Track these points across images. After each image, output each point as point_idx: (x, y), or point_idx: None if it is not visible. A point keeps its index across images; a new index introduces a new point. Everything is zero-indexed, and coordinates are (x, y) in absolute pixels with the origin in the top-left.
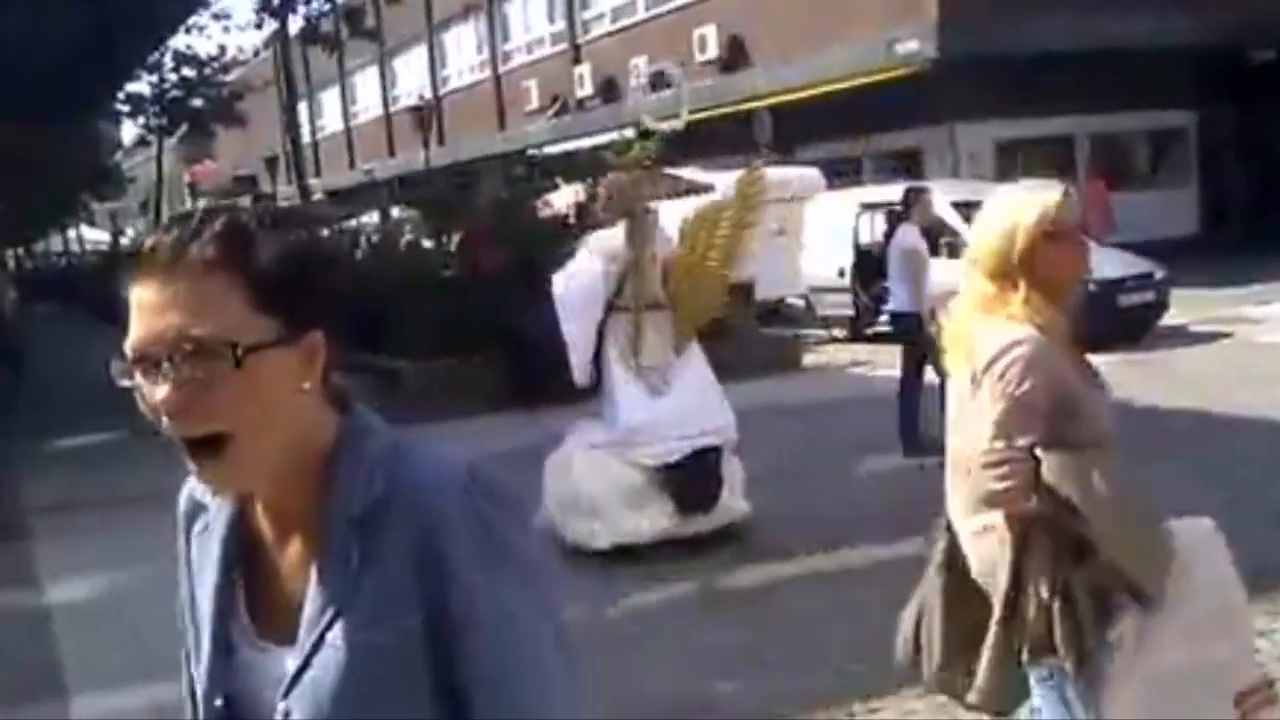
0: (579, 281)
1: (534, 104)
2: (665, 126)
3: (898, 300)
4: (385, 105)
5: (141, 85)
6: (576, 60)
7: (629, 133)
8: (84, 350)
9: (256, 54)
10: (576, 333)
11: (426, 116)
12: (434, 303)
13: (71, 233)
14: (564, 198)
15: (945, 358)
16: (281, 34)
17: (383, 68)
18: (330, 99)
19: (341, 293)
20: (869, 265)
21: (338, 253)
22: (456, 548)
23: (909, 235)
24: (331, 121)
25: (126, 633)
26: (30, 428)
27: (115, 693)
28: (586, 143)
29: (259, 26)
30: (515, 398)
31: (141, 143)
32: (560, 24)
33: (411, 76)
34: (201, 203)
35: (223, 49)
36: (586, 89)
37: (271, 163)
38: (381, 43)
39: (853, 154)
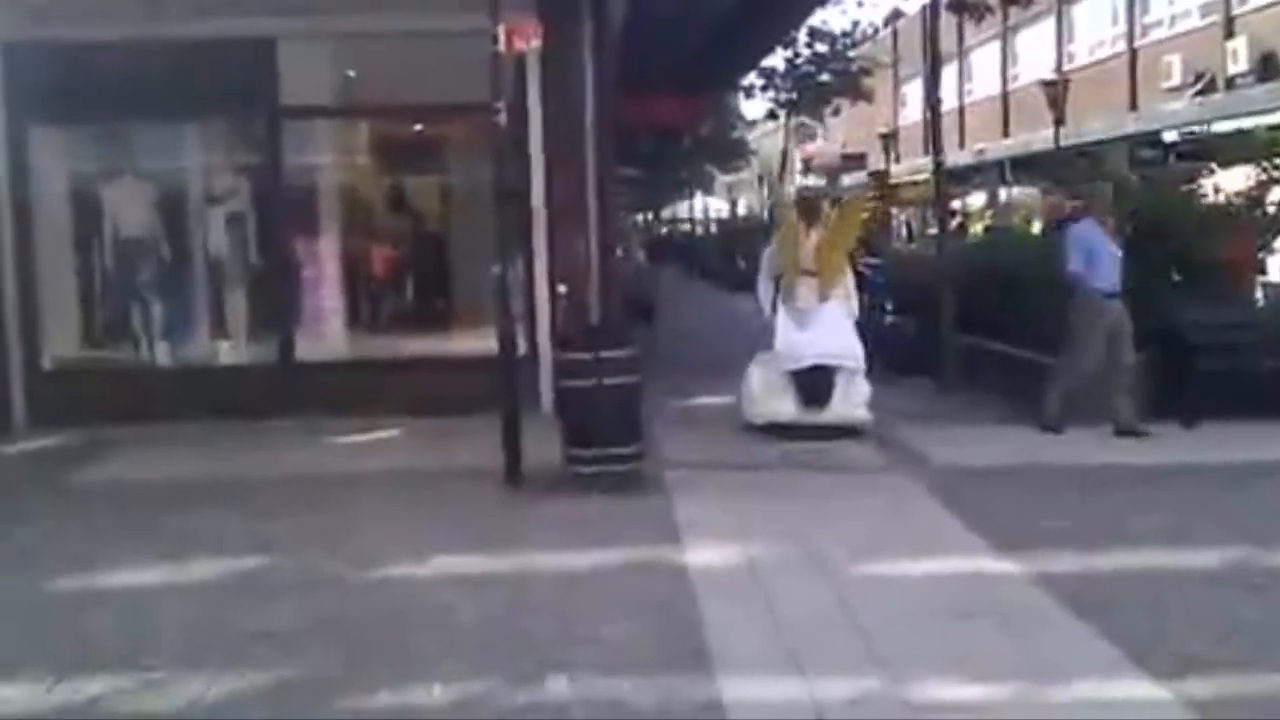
0: (768, 252)
1: (1174, 81)
2: None
3: None
4: (1003, 83)
5: (775, 60)
6: (1229, 33)
7: None
8: (702, 313)
9: (876, 32)
10: (760, 286)
11: (1059, 93)
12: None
13: (696, 201)
14: (1234, 182)
15: None
16: (931, 3)
17: (1004, 44)
18: (946, 77)
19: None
20: None
21: None
22: None
23: None
24: (946, 99)
25: (765, 609)
26: (658, 384)
27: (761, 680)
28: (1234, 124)
29: None
30: (1165, 407)
31: (770, 116)
32: None
33: (1031, 54)
34: (811, 178)
35: (855, 24)
36: (1240, 65)
37: (887, 139)
38: (1006, 17)
39: None
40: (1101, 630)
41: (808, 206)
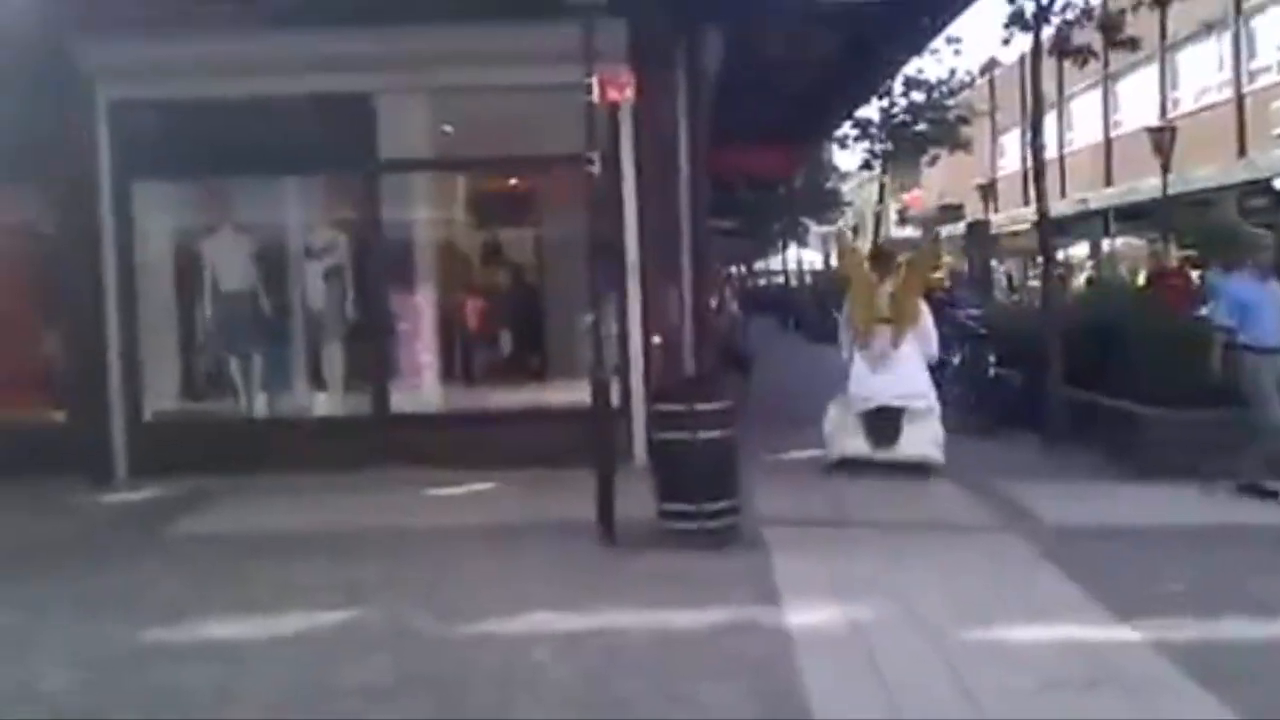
0: (847, 300)
1: None
2: None
3: None
4: (1105, 130)
5: (870, 110)
6: None
7: None
8: (796, 365)
9: (972, 81)
10: (841, 333)
11: (1166, 140)
12: (1172, 345)
13: (790, 252)
14: None
15: None
16: (1034, 48)
17: (1105, 91)
18: (1046, 125)
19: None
20: None
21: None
22: None
23: None
24: (1046, 148)
25: (872, 675)
26: (753, 437)
27: None
28: None
29: (1006, 43)
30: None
31: (864, 166)
32: None
33: (1133, 101)
34: (908, 230)
35: (952, 73)
36: None
37: (985, 189)
38: (1106, 64)
39: None
40: (1230, 702)
41: (880, 257)
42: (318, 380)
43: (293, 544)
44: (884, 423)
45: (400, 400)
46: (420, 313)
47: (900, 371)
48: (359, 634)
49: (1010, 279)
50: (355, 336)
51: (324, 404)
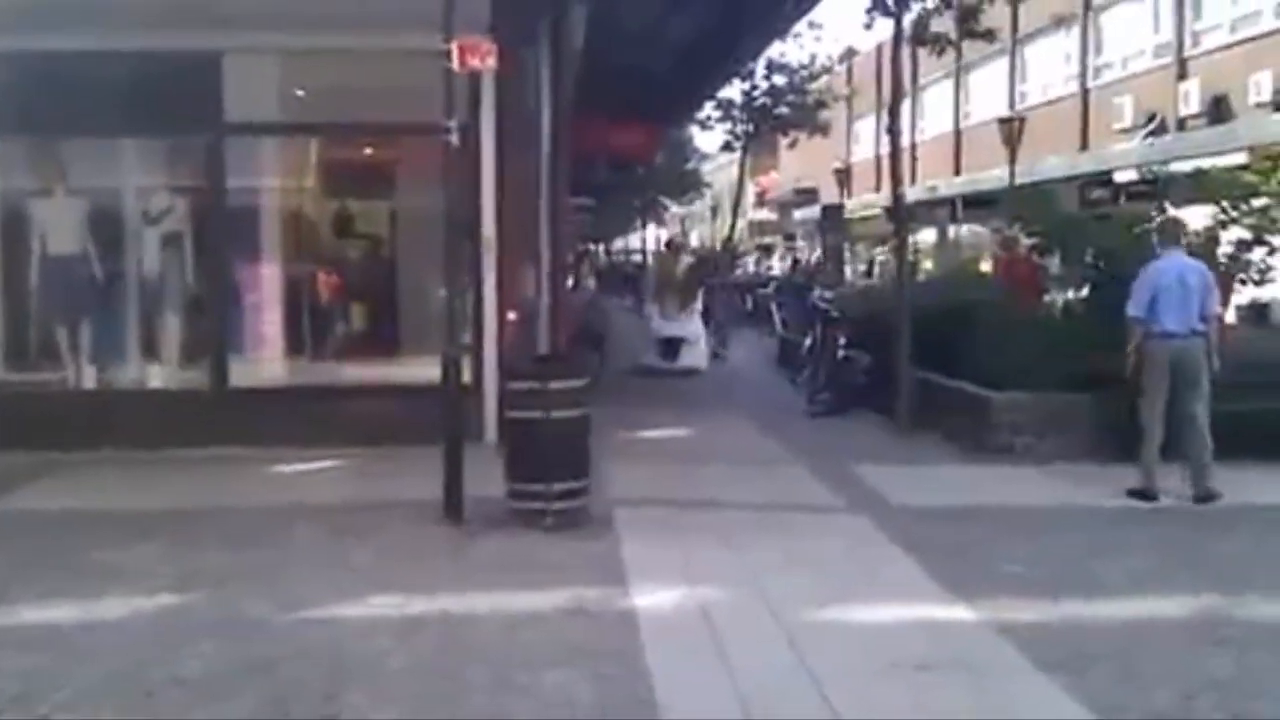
0: (649, 272)
1: (1125, 122)
2: None
3: None
4: (956, 121)
5: (733, 91)
6: (1182, 75)
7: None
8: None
9: (829, 69)
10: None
11: (1014, 131)
12: (1021, 330)
13: (649, 232)
14: (1195, 222)
15: None
16: (895, 33)
17: (957, 82)
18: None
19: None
20: None
21: None
22: None
23: None
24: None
25: (716, 658)
26: (606, 416)
27: None
28: (1193, 165)
29: (869, 27)
30: (1123, 447)
31: (726, 148)
32: (1166, 35)
33: (983, 93)
34: (764, 211)
35: (813, 58)
36: (1191, 107)
37: (841, 174)
38: (959, 55)
39: None
40: (1068, 685)
41: (675, 247)
42: (153, 351)
43: (121, 524)
44: (670, 347)
45: (240, 374)
46: (264, 283)
47: (681, 320)
48: (188, 620)
49: (872, 264)
50: (194, 306)
51: (159, 376)
